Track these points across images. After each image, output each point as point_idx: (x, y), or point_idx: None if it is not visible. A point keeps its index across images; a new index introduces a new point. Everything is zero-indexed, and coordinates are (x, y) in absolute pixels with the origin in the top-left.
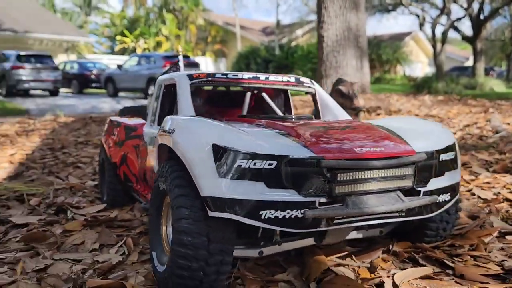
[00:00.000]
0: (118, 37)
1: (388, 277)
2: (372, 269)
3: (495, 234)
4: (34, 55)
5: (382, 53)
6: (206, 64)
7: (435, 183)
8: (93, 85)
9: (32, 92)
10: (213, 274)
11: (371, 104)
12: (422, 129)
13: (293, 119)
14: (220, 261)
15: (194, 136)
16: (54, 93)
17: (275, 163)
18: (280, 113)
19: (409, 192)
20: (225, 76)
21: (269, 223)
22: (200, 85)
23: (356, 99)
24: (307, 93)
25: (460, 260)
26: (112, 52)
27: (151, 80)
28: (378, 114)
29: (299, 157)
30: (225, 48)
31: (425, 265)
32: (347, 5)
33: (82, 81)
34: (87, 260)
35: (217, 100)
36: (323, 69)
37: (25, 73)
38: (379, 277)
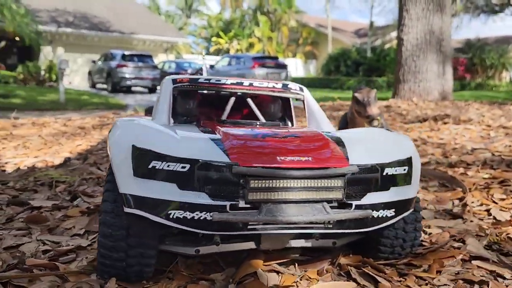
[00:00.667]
0: (214, 38)
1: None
2: (300, 279)
3: (459, 257)
4: (137, 55)
5: (486, 57)
6: (296, 66)
7: (373, 197)
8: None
9: (134, 88)
10: (135, 265)
11: (446, 112)
12: (377, 141)
13: (257, 125)
14: (141, 254)
15: (118, 137)
16: (152, 90)
17: (188, 166)
18: (262, 119)
19: (343, 204)
20: (207, 81)
21: (177, 222)
22: (183, 89)
23: (369, 107)
24: (297, 99)
25: (404, 279)
26: (208, 52)
27: None
28: (445, 123)
29: (212, 162)
30: (315, 50)
31: (351, 280)
32: (431, 7)
33: None
34: (63, 243)
35: (212, 104)
36: (401, 73)
37: (128, 71)
38: (294, 287)
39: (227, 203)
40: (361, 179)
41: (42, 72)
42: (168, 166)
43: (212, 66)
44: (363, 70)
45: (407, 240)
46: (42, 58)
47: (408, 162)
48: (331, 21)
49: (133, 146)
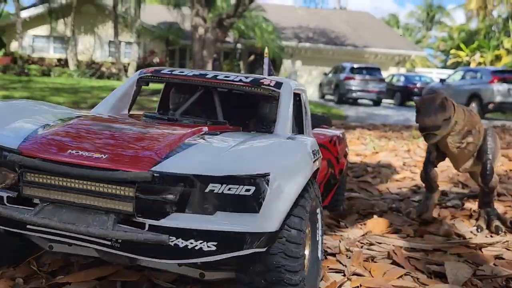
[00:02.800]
0: (453, 51)
1: None
2: None
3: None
4: (365, 68)
5: None
6: None
7: (182, 220)
8: (415, 98)
9: (360, 101)
10: None
11: None
12: (244, 149)
13: (195, 122)
14: None
15: None
16: (376, 103)
17: None
18: (220, 117)
19: (133, 222)
20: (169, 73)
21: None
22: (147, 80)
23: (421, 116)
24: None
25: None
26: (445, 66)
27: (473, 96)
28: None
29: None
30: None
31: None
32: None
33: (404, 93)
34: None
35: (182, 97)
36: None
37: (355, 83)
38: None
39: (5, 194)
40: (163, 191)
41: None
42: None
43: (443, 80)
44: None
45: (267, 278)
46: (283, 70)
47: (256, 180)
48: None
49: None
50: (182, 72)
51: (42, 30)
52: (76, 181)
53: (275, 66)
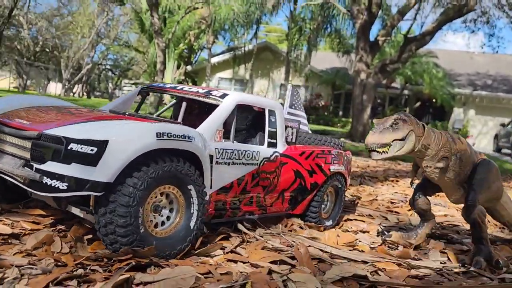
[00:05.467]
0: None
1: None
2: None
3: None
4: None
5: None
6: None
7: (52, 166)
8: None
9: None
10: None
11: None
12: (113, 123)
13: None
14: None
15: None
16: None
17: None
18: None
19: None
20: (156, 85)
21: None
22: (147, 91)
23: (369, 135)
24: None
25: None
26: None
27: None
28: None
29: None
30: None
31: None
32: None
33: None
34: None
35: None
36: None
37: None
38: None
39: None
40: (44, 146)
41: None
42: None
43: None
44: None
45: (119, 230)
46: (453, 118)
47: (100, 144)
48: None
49: None
50: (164, 85)
51: (226, 73)
52: (8, 136)
53: (444, 113)
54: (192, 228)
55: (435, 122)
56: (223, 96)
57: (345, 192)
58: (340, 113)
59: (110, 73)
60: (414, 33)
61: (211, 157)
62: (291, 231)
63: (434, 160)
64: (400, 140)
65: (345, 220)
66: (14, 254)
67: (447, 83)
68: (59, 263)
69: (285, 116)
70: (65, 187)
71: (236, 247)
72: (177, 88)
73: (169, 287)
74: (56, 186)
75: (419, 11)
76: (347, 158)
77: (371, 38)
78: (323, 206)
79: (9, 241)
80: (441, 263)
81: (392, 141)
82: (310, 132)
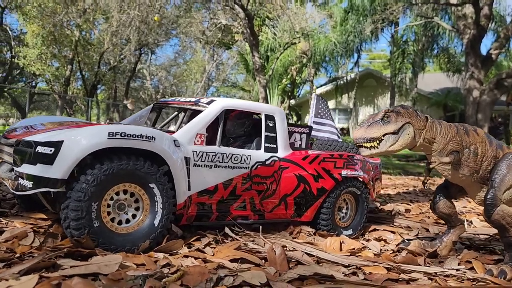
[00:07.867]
0: None
1: None
2: None
3: None
4: None
5: None
6: None
7: (25, 168)
8: None
9: None
10: None
11: None
12: (81, 129)
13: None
14: None
15: None
16: None
17: None
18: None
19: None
20: (162, 101)
21: None
22: (159, 106)
23: (356, 129)
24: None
25: None
26: None
27: None
28: None
29: None
30: None
31: None
32: None
33: None
34: None
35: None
36: None
37: None
38: None
39: None
40: (20, 151)
41: None
42: None
43: None
44: None
45: (72, 223)
46: None
47: (56, 144)
48: None
49: None
50: (167, 100)
51: (329, 104)
52: (5, 146)
53: None
54: (156, 225)
55: None
56: (210, 102)
57: (368, 201)
58: None
59: None
60: None
61: (187, 159)
62: (295, 238)
63: (442, 154)
64: (393, 133)
65: (372, 231)
66: None
67: None
68: (8, 251)
69: (310, 125)
70: (31, 185)
71: (205, 246)
72: (175, 100)
73: (89, 271)
74: (25, 185)
75: None
76: (372, 164)
77: (483, 52)
78: (341, 214)
79: None
80: (456, 270)
81: (384, 136)
82: (340, 140)
